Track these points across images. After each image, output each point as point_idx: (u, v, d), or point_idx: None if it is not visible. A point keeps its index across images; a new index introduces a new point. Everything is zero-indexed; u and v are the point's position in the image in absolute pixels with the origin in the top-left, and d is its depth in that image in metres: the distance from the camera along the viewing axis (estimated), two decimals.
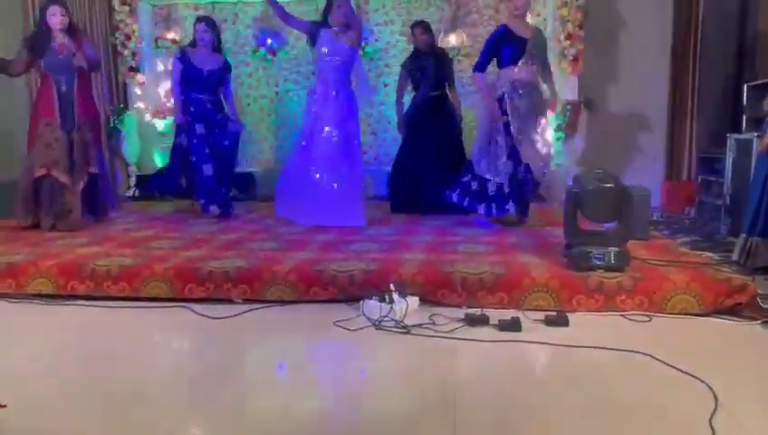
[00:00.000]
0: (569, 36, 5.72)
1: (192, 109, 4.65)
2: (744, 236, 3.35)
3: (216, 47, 4.74)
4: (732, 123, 5.09)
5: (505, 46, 4.01)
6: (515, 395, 1.94)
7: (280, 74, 6.49)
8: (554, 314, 2.58)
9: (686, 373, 1.99)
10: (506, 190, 4.06)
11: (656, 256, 3.12)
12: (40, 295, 3.00)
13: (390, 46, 6.29)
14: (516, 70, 3.99)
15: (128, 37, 6.13)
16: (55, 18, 4.04)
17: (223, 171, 4.71)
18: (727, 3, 5.39)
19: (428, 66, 4.91)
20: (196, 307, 2.81)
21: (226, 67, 4.82)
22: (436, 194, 4.41)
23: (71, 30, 4.15)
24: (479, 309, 2.64)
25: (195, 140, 4.63)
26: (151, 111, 6.32)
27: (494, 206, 4.10)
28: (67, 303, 2.94)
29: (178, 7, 6.52)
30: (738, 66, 5.44)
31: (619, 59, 6.15)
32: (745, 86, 4.80)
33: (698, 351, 2.31)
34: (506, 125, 3.99)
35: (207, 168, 4.60)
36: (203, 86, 4.65)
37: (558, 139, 5.97)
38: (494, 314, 2.57)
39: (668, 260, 3.04)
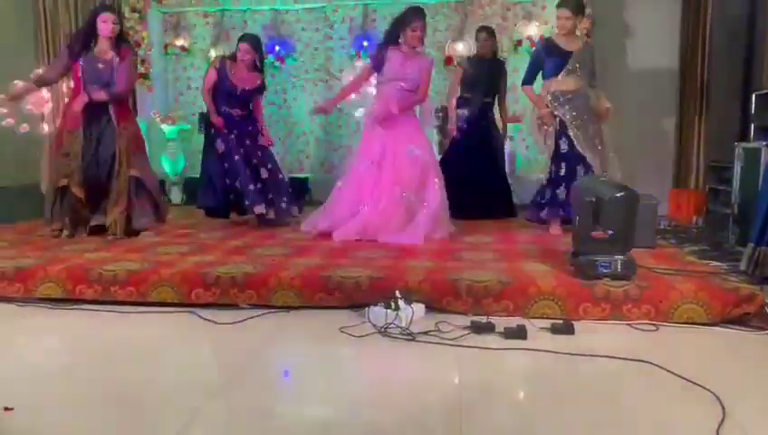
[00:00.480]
0: None
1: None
2: (752, 245, 3.33)
3: (257, 66, 4.63)
4: (740, 132, 5.07)
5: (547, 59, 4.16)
6: (521, 403, 1.93)
7: (288, 81, 6.54)
8: (560, 322, 2.57)
9: (694, 383, 1.98)
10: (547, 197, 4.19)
11: (663, 265, 3.11)
12: (48, 300, 3.03)
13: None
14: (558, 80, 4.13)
15: (137, 44, 6.18)
16: (106, 26, 3.93)
17: (268, 178, 4.63)
18: (735, 10, 5.38)
19: (485, 72, 5.00)
20: (203, 312, 2.82)
21: (261, 87, 4.70)
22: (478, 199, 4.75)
23: (119, 39, 4.05)
24: (485, 317, 2.64)
25: (227, 146, 4.52)
26: (160, 116, 6.37)
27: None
28: (75, 307, 2.96)
29: (188, 15, 6.59)
30: (746, 75, 5.43)
31: (626, 67, 6.16)
32: (754, 95, 4.78)
33: (706, 360, 2.29)
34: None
35: (245, 170, 4.50)
36: (234, 102, 4.56)
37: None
38: (500, 322, 2.57)
39: (676, 269, 3.02)
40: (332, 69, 6.50)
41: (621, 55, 6.13)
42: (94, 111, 3.98)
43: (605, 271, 2.77)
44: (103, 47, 3.99)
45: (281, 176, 4.77)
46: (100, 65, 3.97)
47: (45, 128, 5.16)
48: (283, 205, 4.66)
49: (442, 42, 6.28)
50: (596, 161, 4.09)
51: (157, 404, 1.93)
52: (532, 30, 6.07)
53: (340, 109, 6.54)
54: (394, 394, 2.05)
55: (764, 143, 4.05)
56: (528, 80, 4.29)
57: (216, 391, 2.02)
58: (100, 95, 3.94)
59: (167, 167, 6.33)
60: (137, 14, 6.22)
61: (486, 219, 4.76)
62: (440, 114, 5.82)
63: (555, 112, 4.10)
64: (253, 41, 4.59)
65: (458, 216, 4.46)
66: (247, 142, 4.61)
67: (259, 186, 4.54)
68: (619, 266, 2.77)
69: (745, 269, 3.30)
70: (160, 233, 4.23)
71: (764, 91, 4.63)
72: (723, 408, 1.79)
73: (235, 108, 4.57)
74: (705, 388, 1.93)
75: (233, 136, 4.54)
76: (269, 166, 4.68)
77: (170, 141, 6.37)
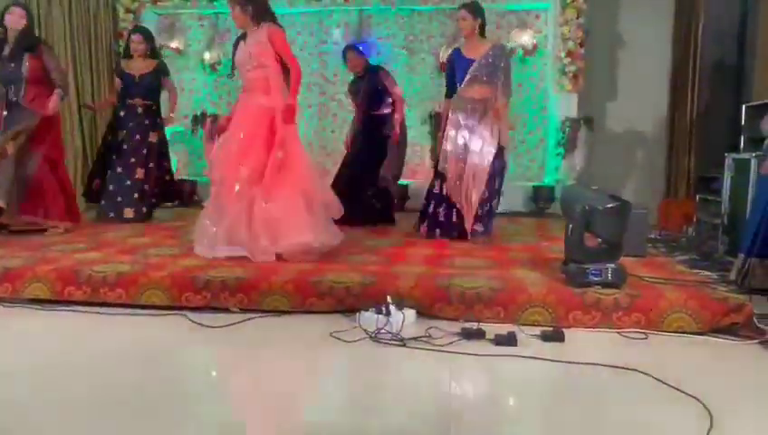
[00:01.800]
0: (569, 54, 5.79)
1: None
2: (742, 256, 3.36)
3: (152, 55, 5.02)
4: (730, 143, 5.12)
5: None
6: (510, 410, 1.94)
7: None
8: (550, 329, 2.58)
9: (682, 392, 1.99)
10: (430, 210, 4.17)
11: (653, 274, 3.13)
12: (36, 301, 3.00)
13: (392, 60, 6.32)
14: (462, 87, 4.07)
15: None
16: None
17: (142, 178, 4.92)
18: (726, 24, 5.45)
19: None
20: (193, 315, 2.80)
21: (160, 69, 5.04)
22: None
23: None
24: (475, 323, 2.64)
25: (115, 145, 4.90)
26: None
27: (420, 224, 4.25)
28: (63, 308, 2.93)
29: (183, 17, 6.58)
30: (736, 86, 5.50)
31: (618, 77, 6.22)
32: (744, 106, 4.83)
33: (694, 369, 2.30)
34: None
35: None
36: (134, 91, 4.90)
37: (557, 155, 6.02)
38: (491, 329, 2.57)
39: (666, 278, 3.04)
40: (327, 73, 6.51)
41: (613, 67, 6.19)
42: None
43: (595, 279, 2.78)
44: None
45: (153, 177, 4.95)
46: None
47: None
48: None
49: (436, 48, 6.30)
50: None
51: (144, 408, 1.92)
52: (526, 38, 6.12)
53: (334, 114, 6.58)
54: (384, 400, 2.05)
55: (754, 154, 4.09)
56: (446, 92, 4.23)
57: (205, 395, 2.01)
58: None
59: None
60: (131, 15, 6.22)
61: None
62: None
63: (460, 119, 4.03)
64: (144, 31, 5.03)
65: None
66: (137, 137, 4.87)
67: (128, 183, 4.79)
68: (609, 275, 2.79)
69: (735, 279, 3.33)
70: (151, 233, 4.29)
71: (754, 103, 4.68)
72: (711, 417, 1.80)
73: (136, 97, 4.86)
74: (693, 397, 1.94)
75: (130, 125, 4.89)
76: (149, 165, 4.89)
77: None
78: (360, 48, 5.09)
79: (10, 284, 3.04)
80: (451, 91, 4.19)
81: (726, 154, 4.53)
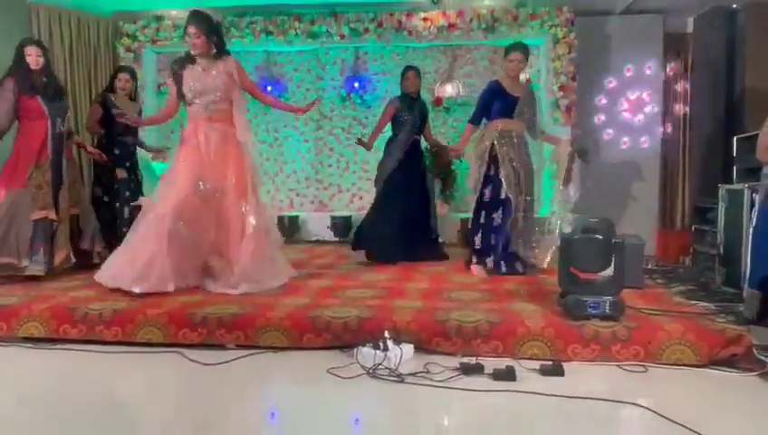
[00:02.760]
0: (562, 88, 5.90)
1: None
2: (756, 292, 3.27)
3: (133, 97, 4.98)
4: (723, 174, 5.17)
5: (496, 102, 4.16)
6: None
7: (279, 120, 6.62)
8: (549, 363, 2.57)
9: (682, 425, 1.97)
10: (491, 244, 4.13)
11: (651, 306, 3.12)
12: (31, 339, 2.97)
13: (388, 95, 6.41)
14: (506, 121, 4.14)
15: None
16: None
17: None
18: (716, 55, 5.56)
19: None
20: (189, 353, 2.78)
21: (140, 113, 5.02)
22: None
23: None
24: (474, 358, 2.62)
25: (116, 185, 4.79)
26: (149, 154, 6.39)
27: (475, 259, 4.18)
28: (57, 347, 2.91)
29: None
30: (727, 118, 5.57)
31: (611, 109, 6.32)
32: (735, 138, 4.90)
33: (694, 403, 2.29)
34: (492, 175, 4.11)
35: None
36: (127, 130, 4.72)
37: (551, 188, 6.05)
38: (489, 363, 2.55)
39: (663, 310, 3.04)
40: (324, 109, 6.60)
41: (606, 99, 6.29)
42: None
43: (593, 312, 2.78)
44: None
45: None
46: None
47: None
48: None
49: (431, 84, 6.41)
50: (519, 206, 4.11)
51: None
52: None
53: (330, 148, 6.65)
54: None
55: (746, 185, 4.13)
56: (475, 119, 4.23)
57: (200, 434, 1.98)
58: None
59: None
60: (132, 54, 6.32)
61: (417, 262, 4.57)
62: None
63: (496, 151, 4.09)
64: (132, 71, 4.98)
65: (385, 258, 4.50)
66: (131, 175, 4.88)
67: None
68: (607, 307, 2.78)
69: (749, 316, 3.27)
70: None
71: (745, 135, 4.74)
72: None
73: (127, 136, 4.82)
74: (693, 431, 1.92)
75: (128, 165, 4.85)
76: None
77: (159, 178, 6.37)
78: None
79: (4, 322, 3.03)
80: (478, 119, 4.22)
81: (720, 185, 4.57)
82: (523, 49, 4.16)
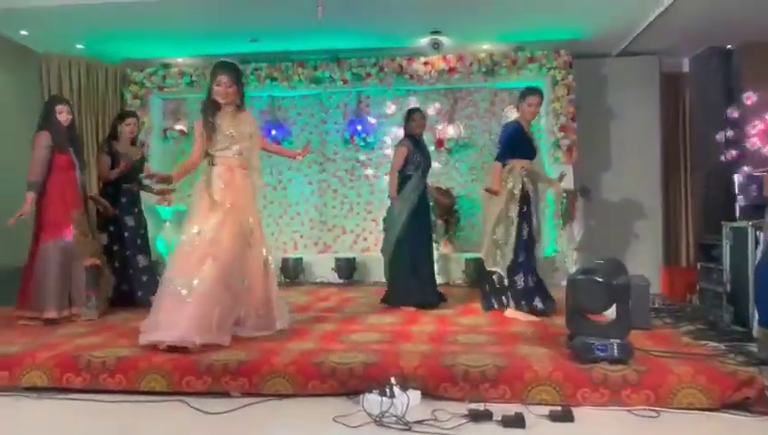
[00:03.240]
0: (562, 128, 5.97)
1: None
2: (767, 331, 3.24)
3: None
4: (725, 210, 5.17)
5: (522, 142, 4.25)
6: None
7: (283, 163, 6.69)
8: (559, 409, 2.52)
9: None
10: (531, 284, 4.13)
11: (660, 347, 3.09)
12: (34, 389, 2.94)
13: (392, 138, 6.51)
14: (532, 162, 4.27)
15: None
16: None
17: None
18: (712, 93, 5.64)
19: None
20: (193, 401, 2.74)
21: (143, 159, 5.05)
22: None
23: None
24: (482, 404, 2.58)
25: (126, 233, 4.73)
26: (156, 198, 6.45)
27: (524, 302, 4.12)
28: (60, 397, 2.87)
29: (188, 101, 6.83)
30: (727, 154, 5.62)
31: (611, 148, 6.38)
32: (736, 176, 4.93)
33: None
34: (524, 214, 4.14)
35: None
36: (130, 176, 4.73)
37: (556, 226, 6.08)
38: (498, 409, 2.51)
39: (673, 352, 3.00)
40: (327, 151, 6.69)
41: (606, 138, 6.37)
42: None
43: (602, 355, 2.75)
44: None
45: None
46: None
47: None
48: None
49: (433, 125, 6.50)
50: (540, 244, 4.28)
51: None
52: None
53: (334, 190, 6.71)
54: None
55: (750, 223, 4.14)
56: (503, 158, 4.21)
57: None
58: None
59: (162, 248, 6.33)
60: (138, 101, 6.45)
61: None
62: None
63: (528, 190, 4.17)
64: (136, 115, 5.03)
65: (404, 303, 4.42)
66: (137, 222, 4.86)
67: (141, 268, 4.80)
68: (615, 350, 2.75)
69: (764, 356, 3.22)
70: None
71: (746, 172, 4.78)
72: None
73: (133, 183, 4.80)
74: None
75: (136, 211, 4.86)
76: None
77: (166, 222, 6.41)
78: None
79: (7, 371, 2.99)
80: (506, 158, 4.21)
81: (723, 223, 4.58)
82: (541, 93, 4.31)
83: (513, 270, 4.14)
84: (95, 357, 2.98)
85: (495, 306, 4.23)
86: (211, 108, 3.54)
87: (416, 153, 4.67)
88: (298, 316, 4.09)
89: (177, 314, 3.17)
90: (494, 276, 4.20)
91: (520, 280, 4.13)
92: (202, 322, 3.16)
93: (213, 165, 3.56)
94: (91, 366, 2.94)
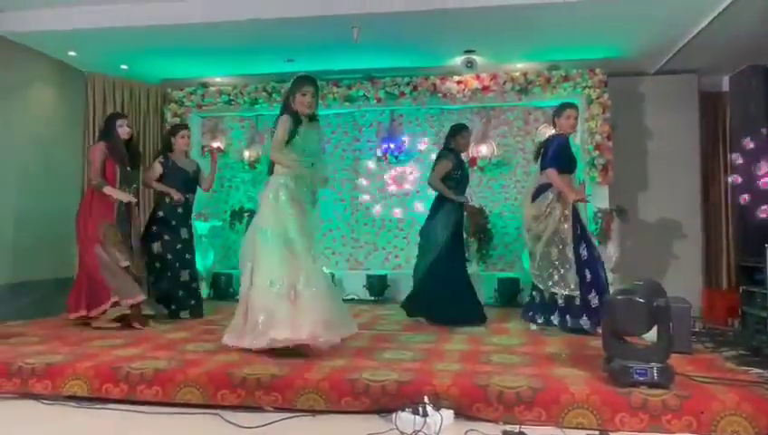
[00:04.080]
0: (597, 147, 5.89)
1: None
2: None
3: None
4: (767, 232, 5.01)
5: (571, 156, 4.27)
6: None
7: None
8: (596, 433, 2.47)
9: None
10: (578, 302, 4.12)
11: (701, 372, 3.00)
12: (74, 398, 3.02)
13: (424, 154, 6.54)
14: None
15: None
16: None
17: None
18: (753, 110, 5.50)
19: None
20: (228, 415, 2.77)
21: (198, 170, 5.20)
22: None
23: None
24: (516, 426, 2.54)
25: (179, 245, 4.90)
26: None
27: (568, 317, 4.12)
28: (99, 406, 2.94)
29: (225, 118, 6.99)
30: None
31: (648, 168, 6.27)
32: None
33: None
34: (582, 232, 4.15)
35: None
36: (187, 187, 4.98)
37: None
38: (533, 432, 2.47)
39: (715, 377, 2.91)
40: (360, 169, 6.75)
41: (643, 157, 6.26)
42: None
43: (641, 378, 2.68)
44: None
45: None
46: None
47: None
48: None
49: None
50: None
51: None
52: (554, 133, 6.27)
53: (367, 207, 6.74)
54: None
55: None
56: (558, 165, 4.16)
57: None
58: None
59: (198, 262, 6.44)
60: (178, 119, 6.63)
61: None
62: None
63: (578, 209, 4.19)
64: (188, 128, 5.17)
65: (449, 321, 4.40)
66: (190, 234, 5.02)
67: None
68: (655, 374, 2.68)
69: None
70: (189, 328, 4.37)
71: None
72: None
73: (189, 193, 4.97)
74: None
75: (189, 222, 5.02)
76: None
77: (202, 237, 6.53)
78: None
79: (50, 380, 3.08)
80: (558, 166, 4.19)
81: (766, 245, 4.44)
82: (576, 106, 4.40)
83: (584, 290, 4.09)
84: (134, 369, 3.05)
85: (540, 322, 4.22)
86: (294, 118, 3.61)
87: (458, 171, 4.69)
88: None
89: (297, 313, 3.29)
90: (548, 295, 4.19)
91: (594, 299, 4.05)
92: (322, 319, 3.30)
93: (283, 172, 3.58)
94: (129, 377, 3.01)
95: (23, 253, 5.33)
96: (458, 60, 5.88)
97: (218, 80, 6.63)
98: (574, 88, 6.03)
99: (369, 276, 6.34)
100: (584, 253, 4.12)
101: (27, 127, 5.55)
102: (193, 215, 5.26)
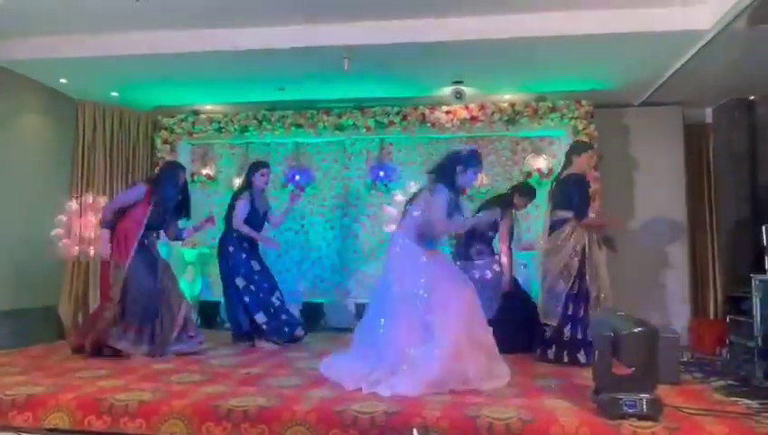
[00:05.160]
0: None
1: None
2: None
3: None
4: (753, 263, 5.07)
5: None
6: None
7: (306, 208, 6.77)
8: None
9: None
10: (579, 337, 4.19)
11: (690, 404, 3.00)
12: (56, 430, 2.94)
13: (413, 184, 6.56)
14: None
15: None
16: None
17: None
18: (736, 143, 5.61)
19: None
20: None
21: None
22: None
23: None
24: None
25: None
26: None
27: (566, 352, 4.20)
28: None
29: (215, 146, 7.01)
30: (753, 205, 5.54)
31: (635, 198, 6.34)
32: (764, 228, 4.84)
33: None
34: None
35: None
36: (260, 225, 5.17)
37: None
38: None
39: (704, 409, 2.91)
40: (350, 197, 6.77)
41: (629, 188, 6.33)
42: None
43: (630, 410, 2.67)
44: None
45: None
46: None
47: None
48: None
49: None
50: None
51: None
52: (541, 163, 6.37)
53: (356, 235, 6.74)
54: None
55: None
56: (586, 212, 4.40)
57: None
58: None
59: (185, 289, 6.38)
60: (168, 146, 6.65)
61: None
62: None
63: (585, 245, 4.28)
64: (269, 166, 5.23)
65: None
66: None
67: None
68: (644, 406, 2.67)
69: None
70: (174, 358, 4.29)
71: None
72: None
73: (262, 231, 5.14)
74: None
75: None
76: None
77: (189, 265, 6.49)
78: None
79: (31, 412, 3.01)
80: (586, 213, 4.40)
81: (752, 275, 4.48)
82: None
83: (562, 322, 4.21)
84: (118, 400, 2.99)
85: (550, 356, 4.26)
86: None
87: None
88: (318, 362, 4.05)
89: (483, 361, 3.43)
90: (548, 329, 4.28)
91: (567, 331, 4.18)
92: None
93: None
94: (113, 409, 2.95)
95: (5, 281, 5.26)
96: (447, 90, 5.97)
97: (209, 107, 6.67)
98: (561, 119, 6.13)
99: (357, 305, 6.30)
100: (576, 287, 4.21)
101: (15, 153, 5.52)
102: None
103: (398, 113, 6.37)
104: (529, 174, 6.32)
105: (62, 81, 5.77)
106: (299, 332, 5.05)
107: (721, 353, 5.19)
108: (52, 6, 4.47)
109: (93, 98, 6.22)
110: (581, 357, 4.12)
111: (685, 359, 4.69)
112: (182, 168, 4.83)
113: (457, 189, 3.73)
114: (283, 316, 4.99)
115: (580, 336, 4.17)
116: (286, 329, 4.96)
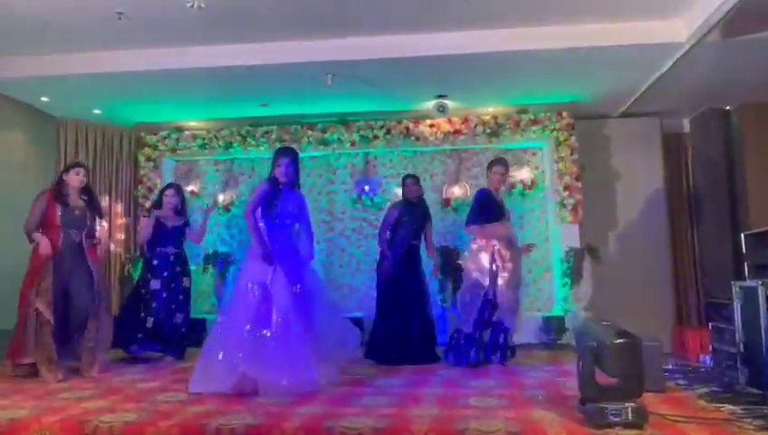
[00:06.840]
0: (567, 188, 6.05)
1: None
2: None
3: (179, 210, 5.37)
4: (734, 269, 5.15)
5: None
6: None
7: None
8: None
9: None
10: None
11: (675, 411, 3.03)
12: None
13: (396, 197, 6.59)
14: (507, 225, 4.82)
15: (150, 190, 6.51)
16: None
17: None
18: (713, 153, 5.72)
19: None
20: None
21: (186, 223, 5.44)
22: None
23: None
24: None
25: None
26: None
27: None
28: None
29: (200, 162, 6.99)
30: (732, 213, 5.64)
31: (618, 207, 6.44)
32: (743, 235, 4.93)
33: None
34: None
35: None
36: (167, 240, 5.24)
37: (564, 286, 6.06)
38: None
39: (689, 416, 2.94)
40: (335, 211, 6.78)
41: (611, 197, 6.43)
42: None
43: (616, 419, 2.70)
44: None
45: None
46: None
47: None
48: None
49: (439, 185, 6.62)
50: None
51: None
52: (525, 174, 6.44)
53: (342, 249, 6.74)
54: None
55: (760, 282, 4.12)
56: (476, 221, 4.77)
57: None
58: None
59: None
60: (151, 163, 6.61)
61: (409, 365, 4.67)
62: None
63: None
64: (177, 187, 5.46)
65: (383, 361, 4.73)
66: (172, 285, 5.15)
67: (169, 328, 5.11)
68: (630, 414, 2.70)
69: None
70: (161, 377, 4.25)
71: (753, 232, 4.79)
72: None
73: (168, 246, 5.19)
74: None
75: (165, 275, 5.14)
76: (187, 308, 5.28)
77: None
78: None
79: None
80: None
81: (733, 282, 4.55)
82: (505, 163, 4.97)
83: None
84: (102, 422, 2.95)
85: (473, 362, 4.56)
86: (275, 184, 4.02)
87: (404, 217, 5.12)
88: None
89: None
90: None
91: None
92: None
93: None
94: (97, 431, 2.90)
95: None
96: (430, 104, 6.03)
97: (193, 124, 6.66)
98: (543, 131, 6.21)
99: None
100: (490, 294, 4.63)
101: None
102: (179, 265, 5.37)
103: (381, 127, 6.42)
104: (512, 185, 6.38)
105: (44, 99, 5.73)
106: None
107: (704, 360, 5.25)
108: (34, 25, 4.46)
109: (75, 115, 6.19)
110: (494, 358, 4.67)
111: (669, 366, 4.75)
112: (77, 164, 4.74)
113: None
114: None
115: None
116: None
